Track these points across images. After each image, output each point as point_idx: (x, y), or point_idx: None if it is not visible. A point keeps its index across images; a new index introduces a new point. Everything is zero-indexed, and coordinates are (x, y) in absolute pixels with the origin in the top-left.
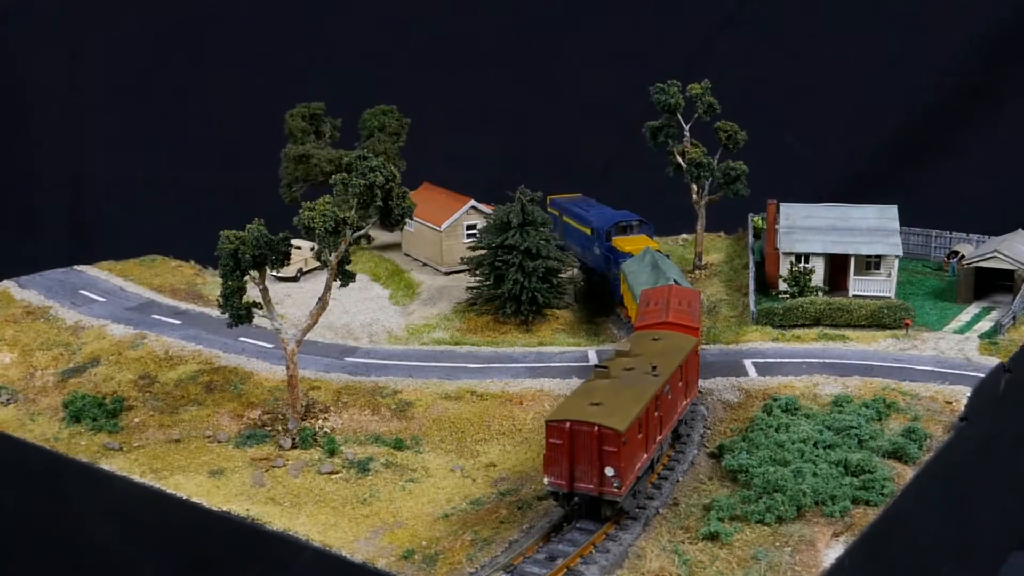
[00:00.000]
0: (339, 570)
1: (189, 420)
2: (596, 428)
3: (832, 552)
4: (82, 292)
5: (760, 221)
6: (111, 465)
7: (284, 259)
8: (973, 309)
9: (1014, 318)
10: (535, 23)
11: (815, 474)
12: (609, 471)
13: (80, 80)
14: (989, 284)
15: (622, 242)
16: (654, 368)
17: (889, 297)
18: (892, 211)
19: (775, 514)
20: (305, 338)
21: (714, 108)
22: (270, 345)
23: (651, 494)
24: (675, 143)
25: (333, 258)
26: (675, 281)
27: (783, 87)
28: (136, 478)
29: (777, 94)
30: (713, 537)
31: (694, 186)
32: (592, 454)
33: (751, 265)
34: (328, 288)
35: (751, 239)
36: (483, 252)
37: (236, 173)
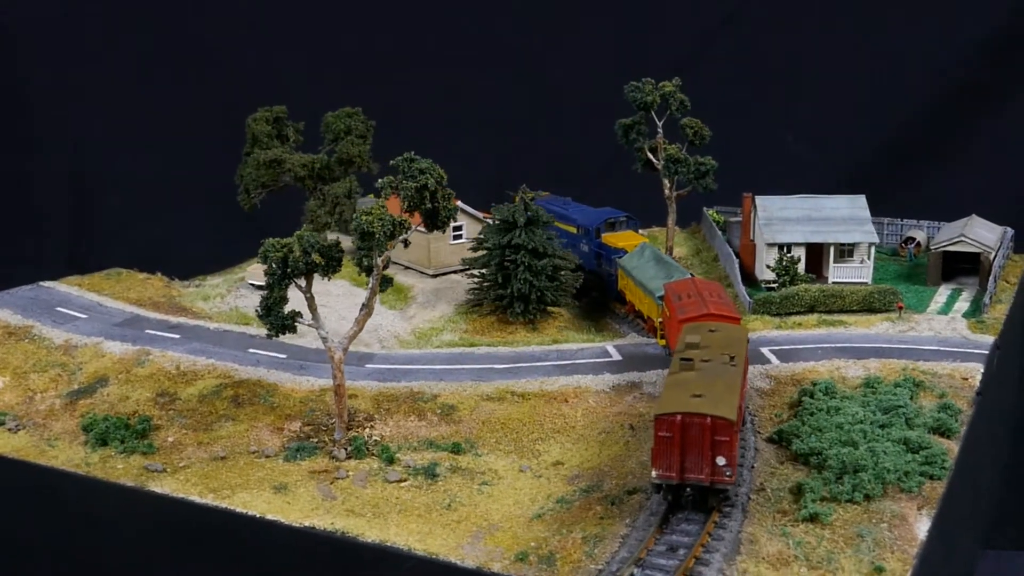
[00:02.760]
0: None
1: (227, 436)
2: (709, 419)
3: (922, 525)
4: (59, 309)
5: (716, 214)
6: (162, 487)
7: (337, 265)
8: (944, 291)
9: (990, 298)
10: (516, 21)
11: (885, 452)
12: (720, 460)
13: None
14: (954, 267)
15: (612, 238)
16: (732, 359)
17: (866, 283)
18: (861, 200)
19: (863, 492)
20: (316, 347)
21: (685, 105)
22: (283, 355)
23: (738, 481)
24: (645, 140)
25: (380, 262)
26: (692, 274)
27: (778, 85)
28: (196, 499)
29: (769, 92)
30: (813, 519)
31: (666, 181)
32: (704, 445)
33: (732, 256)
34: (374, 293)
35: (719, 232)
36: (483, 252)
37: (188, 180)
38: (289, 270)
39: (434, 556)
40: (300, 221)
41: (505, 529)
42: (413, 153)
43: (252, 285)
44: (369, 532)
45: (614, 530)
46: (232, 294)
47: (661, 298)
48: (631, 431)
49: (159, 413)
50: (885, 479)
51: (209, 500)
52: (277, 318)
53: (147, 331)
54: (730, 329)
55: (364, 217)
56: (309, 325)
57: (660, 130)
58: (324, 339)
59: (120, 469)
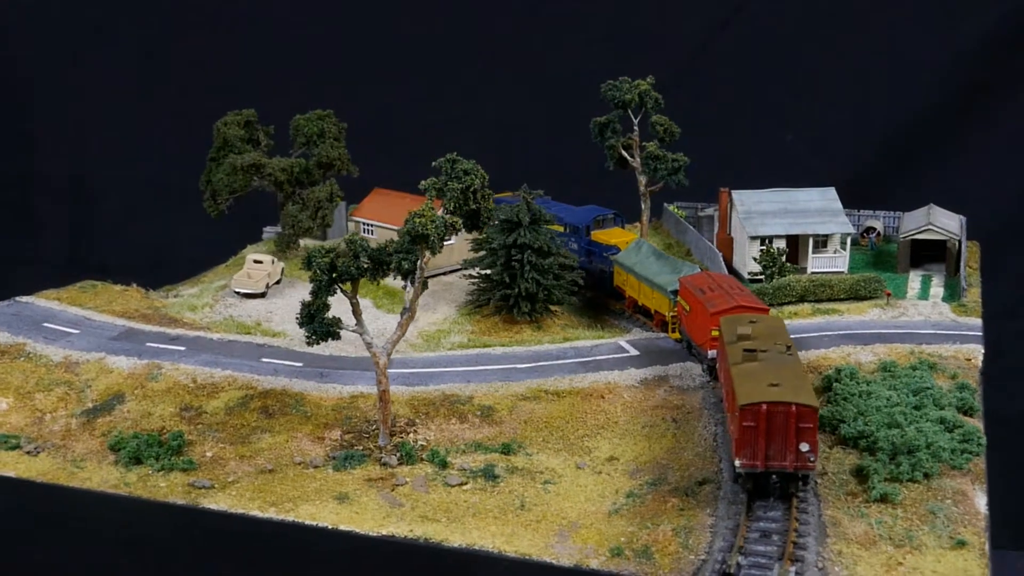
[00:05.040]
0: None
1: (268, 448)
2: (793, 407)
3: (980, 500)
4: (47, 325)
5: (676, 209)
6: (216, 504)
7: (387, 269)
8: (915, 277)
9: (966, 282)
10: (508, 19)
11: (934, 432)
12: (804, 446)
13: None
14: (919, 254)
15: (602, 235)
16: (788, 348)
17: (842, 272)
18: (832, 193)
19: (922, 471)
20: (330, 353)
21: (659, 103)
22: (299, 364)
23: None
24: (618, 138)
25: (424, 264)
26: (701, 268)
27: (776, 85)
28: (257, 514)
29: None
30: (883, 499)
31: (642, 178)
32: (788, 432)
33: (715, 251)
34: (417, 296)
35: (690, 227)
36: (485, 253)
37: (145, 188)
38: (336, 275)
39: (527, 557)
40: (281, 226)
41: (587, 526)
42: (456, 154)
43: (237, 293)
44: (452, 537)
45: (699, 521)
46: (220, 303)
47: (674, 292)
48: (675, 424)
49: (188, 428)
50: (940, 457)
51: (272, 514)
52: (321, 325)
53: (148, 344)
54: (768, 319)
55: (417, 219)
56: (353, 331)
57: (636, 127)
58: (369, 344)
59: (164, 487)
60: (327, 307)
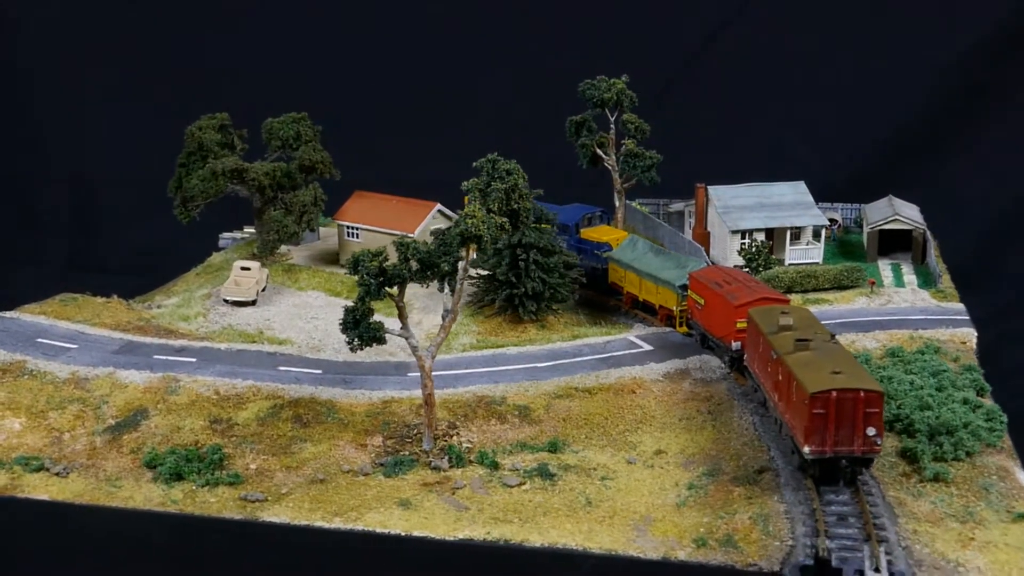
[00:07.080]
0: (642, 570)
1: (312, 458)
2: (861, 393)
3: (1021, 474)
4: (41, 340)
5: (640, 205)
6: (277, 516)
7: (436, 271)
8: (885, 266)
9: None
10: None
11: (964, 412)
12: (871, 431)
13: None
14: (888, 244)
15: (592, 233)
16: (832, 336)
17: (818, 263)
18: (802, 186)
19: (964, 450)
20: (347, 359)
21: (634, 101)
22: (319, 371)
23: None
24: (592, 136)
25: (466, 264)
26: (709, 263)
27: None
28: (323, 524)
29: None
30: (936, 478)
31: (617, 176)
32: (856, 417)
33: (698, 246)
34: (459, 298)
35: (663, 223)
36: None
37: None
38: (384, 279)
39: (613, 552)
40: (262, 231)
41: (661, 519)
42: (496, 154)
43: (227, 301)
44: (531, 537)
45: (772, 508)
46: (212, 312)
47: (683, 287)
48: (710, 416)
49: (223, 440)
50: (979, 436)
51: (338, 524)
52: (367, 330)
53: (155, 357)
54: (797, 310)
55: (469, 220)
56: (399, 335)
57: (612, 126)
58: (414, 348)
59: (214, 503)
60: (372, 312)
